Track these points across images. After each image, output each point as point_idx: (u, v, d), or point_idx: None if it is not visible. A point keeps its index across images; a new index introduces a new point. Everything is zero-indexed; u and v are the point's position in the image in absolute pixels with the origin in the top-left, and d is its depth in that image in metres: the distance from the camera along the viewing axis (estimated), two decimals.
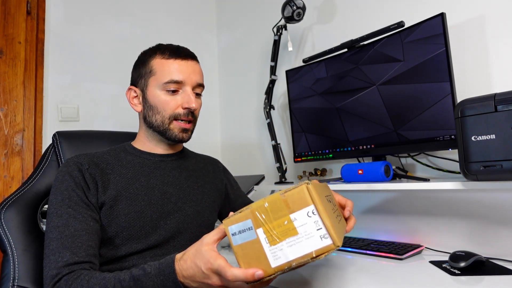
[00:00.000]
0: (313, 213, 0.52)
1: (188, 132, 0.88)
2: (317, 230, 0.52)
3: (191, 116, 0.87)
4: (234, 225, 0.56)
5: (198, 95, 0.89)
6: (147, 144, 0.90)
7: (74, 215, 0.73)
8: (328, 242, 0.51)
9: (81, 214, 0.74)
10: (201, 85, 0.89)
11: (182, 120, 0.86)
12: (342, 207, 0.77)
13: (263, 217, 0.54)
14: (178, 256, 0.62)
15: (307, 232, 0.52)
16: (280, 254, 0.53)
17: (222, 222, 1.07)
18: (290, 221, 0.53)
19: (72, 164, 0.79)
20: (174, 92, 0.85)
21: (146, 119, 0.87)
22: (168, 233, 0.83)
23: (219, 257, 0.57)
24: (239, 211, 0.57)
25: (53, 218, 0.73)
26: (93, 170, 0.79)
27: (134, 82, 0.90)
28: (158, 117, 0.85)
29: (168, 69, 0.84)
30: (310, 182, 0.54)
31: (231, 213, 0.61)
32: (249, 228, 0.55)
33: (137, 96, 0.89)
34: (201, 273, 0.58)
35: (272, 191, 1.44)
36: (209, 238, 0.61)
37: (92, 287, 0.63)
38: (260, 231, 0.54)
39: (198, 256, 0.59)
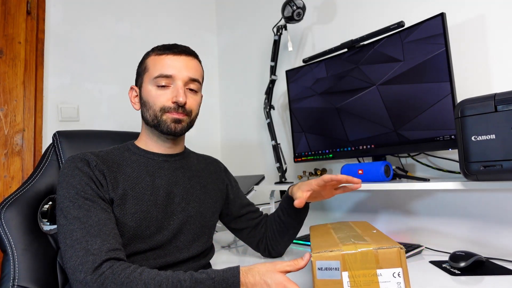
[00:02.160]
0: (398, 275, 0.59)
1: (181, 123, 0.85)
2: None
3: (182, 111, 0.84)
4: (323, 261, 0.62)
5: (192, 91, 0.87)
6: (149, 142, 0.90)
7: (93, 205, 0.72)
8: None
9: (100, 205, 0.73)
10: (194, 80, 0.86)
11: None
12: None
13: (352, 263, 0.60)
14: (243, 268, 0.65)
15: None
16: None
17: (226, 227, 1.07)
18: (375, 275, 0.59)
19: (79, 160, 0.78)
20: (165, 87, 0.84)
21: (143, 116, 0.88)
22: (171, 233, 0.83)
23: (296, 285, 0.62)
24: (328, 249, 0.63)
25: (70, 210, 0.71)
26: (101, 167, 0.78)
27: (135, 82, 0.92)
28: (150, 112, 0.85)
29: (159, 63, 0.84)
30: (403, 247, 0.60)
31: (318, 248, 0.67)
32: (335, 268, 0.61)
33: (137, 95, 0.91)
34: None
35: (272, 191, 1.44)
36: (282, 267, 0.65)
37: (145, 281, 0.62)
38: (345, 274, 0.60)
39: (270, 276, 0.63)
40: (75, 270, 0.64)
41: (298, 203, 0.84)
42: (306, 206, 0.99)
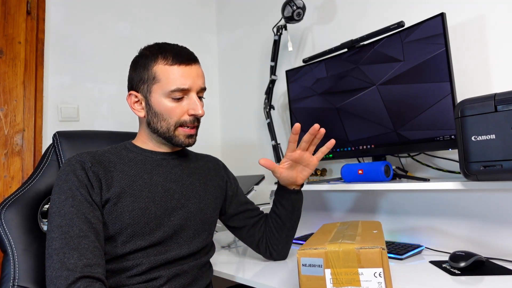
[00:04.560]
0: (379, 275, 0.60)
1: (193, 137, 0.89)
2: None
3: (196, 122, 0.88)
4: (307, 258, 0.64)
5: (201, 98, 0.90)
6: (149, 144, 0.90)
7: (78, 214, 0.73)
8: None
9: (85, 214, 0.73)
10: (204, 89, 0.89)
11: (187, 127, 0.86)
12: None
13: (335, 261, 0.62)
14: None
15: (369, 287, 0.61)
16: None
17: (225, 225, 1.08)
18: (357, 274, 0.61)
19: (75, 163, 0.79)
20: (179, 99, 0.84)
21: (150, 125, 0.87)
22: (172, 229, 0.83)
23: None
24: (314, 246, 0.65)
25: (55, 217, 0.72)
26: (96, 168, 0.79)
27: (134, 87, 0.87)
28: (163, 124, 0.85)
29: (173, 76, 0.83)
30: (385, 247, 0.62)
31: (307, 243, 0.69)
32: (319, 265, 0.63)
33: (138, 101, 0.87)
34: None
35: (272, 191, 1.44)
36: None
37: None
38: (327, 271, 0.63)
39: None
40: (50, 282, 0.66)
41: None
42: (300, 193, 1.00)
